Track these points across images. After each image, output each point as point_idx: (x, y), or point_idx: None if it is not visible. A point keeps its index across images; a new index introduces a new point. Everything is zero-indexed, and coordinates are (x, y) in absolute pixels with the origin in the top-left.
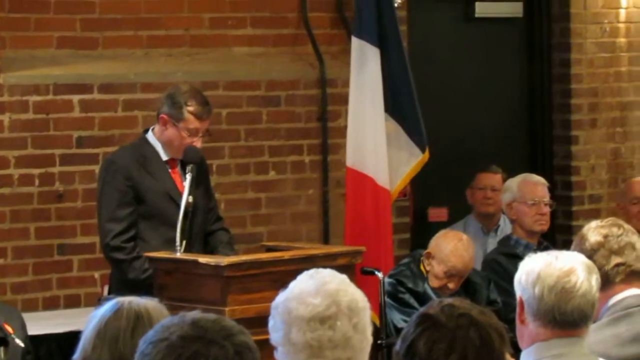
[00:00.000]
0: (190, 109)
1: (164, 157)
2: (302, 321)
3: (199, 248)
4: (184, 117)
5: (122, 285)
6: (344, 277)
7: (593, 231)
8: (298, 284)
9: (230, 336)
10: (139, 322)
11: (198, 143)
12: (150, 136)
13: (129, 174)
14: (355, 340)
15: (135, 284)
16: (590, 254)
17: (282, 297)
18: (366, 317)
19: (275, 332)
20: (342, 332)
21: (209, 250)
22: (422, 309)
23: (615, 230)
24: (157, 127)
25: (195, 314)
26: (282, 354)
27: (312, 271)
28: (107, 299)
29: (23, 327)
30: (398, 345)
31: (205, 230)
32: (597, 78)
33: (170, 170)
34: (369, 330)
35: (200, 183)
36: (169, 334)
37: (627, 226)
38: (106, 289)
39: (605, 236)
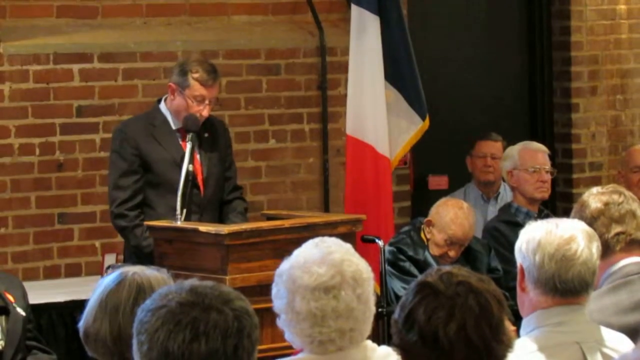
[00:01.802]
0: (196, 75)
1: (174, 126)
2: (306, 290)
3: (213, 216)
4: (189, 84)
5: (132, 253)
6: (349, 247)
7: (594, 198)
8: (303, 252)
9: (229, 302)
10: (140, 294)
11: (205, 111)
12: (162, 105)
13: (136, 143)
14: (358, 311)
15: (138, 252)
16: (591, 222)
17: (286, 265)
18: (370, 287)
19: (279, 299)
20: (345, 303)
21: (222, 218)
22: (420, 277)
23: (616, 197)
24: (168, 96)
25: (192, 281)
26: (285, 321)
27: (317, 240)
28: (115, 267)
29: (24, 296)
30: (397, 314)
31: (220, 198)
32: (597, 45)
33: (180, 139)
34: (372, 301)
35: (215, 151)
36: (167, 301)
37: (627, 193)
38: (107, 257)
39: (606, 204)
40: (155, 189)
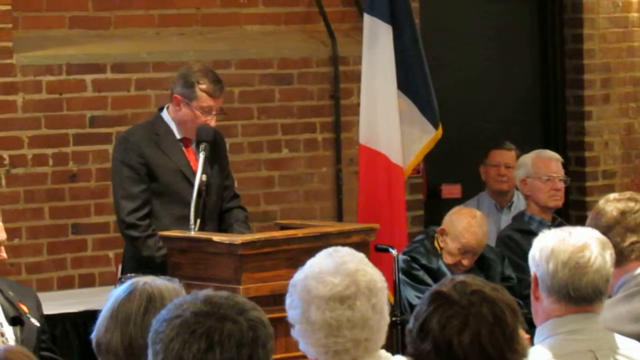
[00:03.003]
0: (203, 87)
1: (178, 136)
2: (321, 300)
3: (213, 226)
4: (197, 96)
5: (134, 263)
6: (362, 257)
7: (610, 205)
8: (317, 262)
9: (244, 312)
10: (151, 304)
11: (212, 122)
12: (164, 114)
13: (141, 151)
14: (373, 321)
15: (147, 262)
16: (606, 230)
17: (300, 275)
18: (384, 297)
19: (293, 309)
20: (361, 312)
21: (224, 228)
22: (434, 287)
23: (632, 205)
24: (171, 107)
25: (207, 292)
26: (299, 331)
27: (331, 250)
28: (128, 278)
29: (38, 306)
30: (411, 323)
31: (220, 208)
32: (610, 53)
33: (184, 149)
34: (386, 310)
35: (215, 161)
36: (182, 311)
37: None
38: (120, 268)
39: (622, 212)
40: (160, 198)
